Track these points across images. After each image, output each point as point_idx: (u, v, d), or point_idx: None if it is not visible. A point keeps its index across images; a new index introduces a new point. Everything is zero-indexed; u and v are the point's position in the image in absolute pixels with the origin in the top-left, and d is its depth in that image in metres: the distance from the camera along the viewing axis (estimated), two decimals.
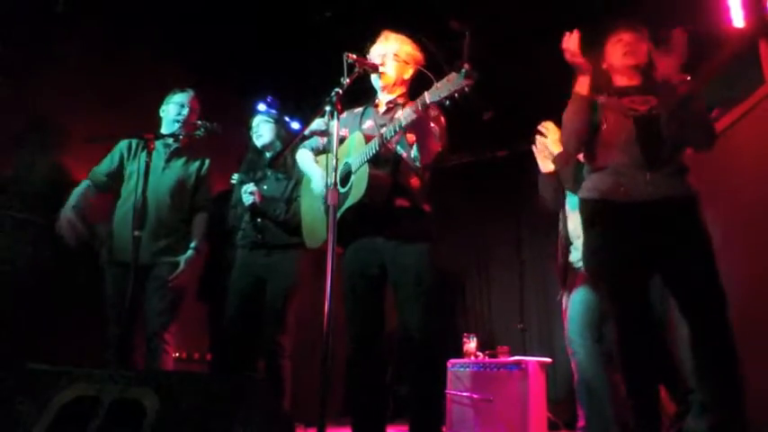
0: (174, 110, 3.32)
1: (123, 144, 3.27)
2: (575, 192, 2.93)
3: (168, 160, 3.30)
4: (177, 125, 3.28)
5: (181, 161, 3.34)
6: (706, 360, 2.24)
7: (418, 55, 2.78)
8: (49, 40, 3.57)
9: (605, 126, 2.46)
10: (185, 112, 3.31)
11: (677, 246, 2.31)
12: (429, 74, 2.36)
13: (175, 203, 3.23)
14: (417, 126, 2.39)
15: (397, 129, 2.39)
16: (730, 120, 3.72)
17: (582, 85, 2.51)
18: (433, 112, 2.53)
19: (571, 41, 2.49)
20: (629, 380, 2.39)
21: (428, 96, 2.26)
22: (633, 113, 2.42)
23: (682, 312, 2.30)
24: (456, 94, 2.17)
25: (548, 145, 3.07)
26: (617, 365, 2.92)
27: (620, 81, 2.54)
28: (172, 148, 3.32)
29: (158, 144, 3.24)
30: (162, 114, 3.37)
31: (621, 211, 2.40)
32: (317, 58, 3.70)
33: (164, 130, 3.31)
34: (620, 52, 2.52)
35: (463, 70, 2.12)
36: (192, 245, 3.24)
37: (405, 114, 2.35)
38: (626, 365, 2.41)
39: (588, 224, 2.53)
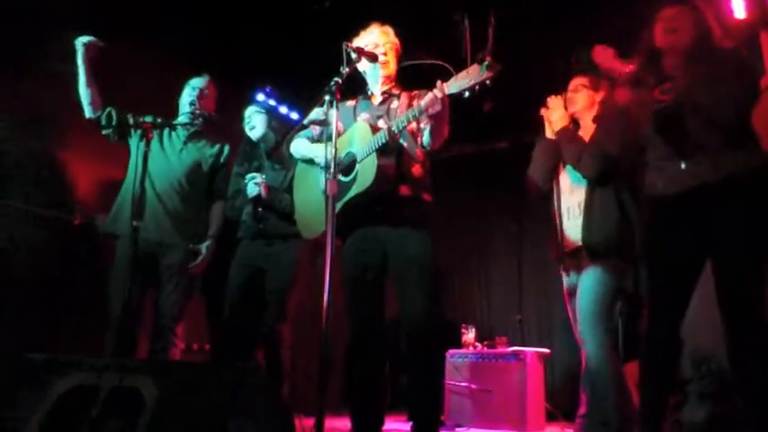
0: (186, 93, 3.36)
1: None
2: (580, 169, 2.90)
3: (186, 142, 3.31)
4: (189, 107, 3.31)
5: (199, 144, 3.35)
6: (738, 353, 2.21)
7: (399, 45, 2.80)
8: (46, 30, 3.54)
9: (642, 124, 2.42)
10: (195, 93, 3.33)
11: (722, 234, 2.22)
12: (448, 66, 2.32)
13: (191, 185, 3.24)
14: (439, 114, 2.36)
15: (412, 117, 2.38)
16: None
17: (619, 96, 2.48)
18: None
19: (604, 55, 2.49)
20: (649, 377, 2.40)
21: (447, 87, 2.24)
22: (655, 106, 2.35)
23: (719, 301, 2.25)
24: (476, 87, 2.15)
25: (549, 120, 3.04)
26: (624, 357, 2.94)
27: (668, 61, 2.41)
28: (190, 131, 3.33)
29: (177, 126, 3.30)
30: (180, 100, 3.40)
31: (663, 207, 2.36)
32: (315, 47, 3.68)
33: (180, 114, 3.35)
34: (661, 32, 2.40)
35: (485, 63, 2.09)
36: (211, 233, 3.28)
37: (426, 103, 2.32)
38: (649, 359, 2.42)
39: (643, 220, 2.54)
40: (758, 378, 2.15)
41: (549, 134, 3.03)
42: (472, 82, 2.14)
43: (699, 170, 2.25)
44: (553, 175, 3.05)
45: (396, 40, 2.76)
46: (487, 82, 2.12)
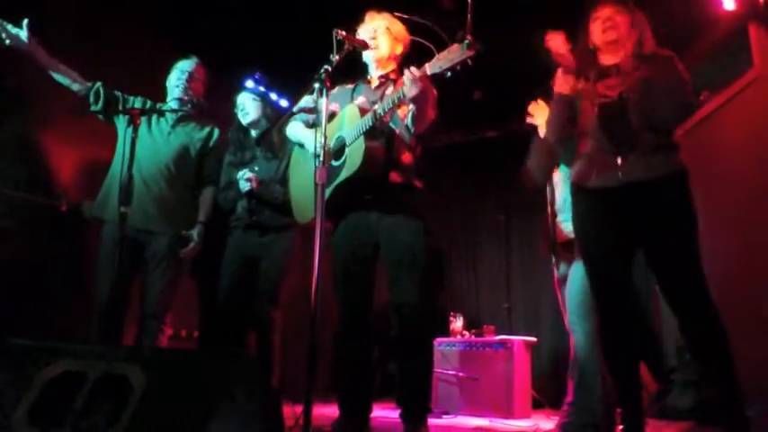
0: (174, 77, 3.32)
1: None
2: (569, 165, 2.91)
3: (174, 126, 3.28)
4: (177, 92, 3.27)
5: (188, 127, 3.31)
6: (693, 342, 2.26)
7: (407, 35, 2.77)
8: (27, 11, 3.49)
9: (581, 115, 2.44)
10: (184, 77, 3.29)
11: (655, 228, 2.28)
12: (429, 45, 2.32)
13: (179, 170, 3.21)
14: (420, 96, 2.36)
15: (396, 101, 2.37)
16: (719, 102, 3.73)
17: (563, 85, 2.46)
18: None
19: (555, 41, 2.45)
20: (611, 363, 2.43)
21: (428, 68, 2.24)
22: (600, 100, 2.37)
23: (663, 295, 2.31)
24: (458, 66, 2.14)
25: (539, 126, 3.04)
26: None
27: (605, 59, 2.46)
28: (178, 115, 3.29)
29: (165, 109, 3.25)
30: (167, 83, 3.36)
31: (596, 198, 2.38)
32: (306, 34, 3.65)
33: (168, 98, 3.31)
34: (600, 29, 2.43)
35: (466, 42, 2.08)
36: (201, 218, 3.25)
37: (406, 86, 2.32)
38: (607, 350, 2.44)
39: (572, 210, 2.54)
40: (720, 369, 2.18)
41: (541, 134, 3.05)
42: (453, 62, 2.14)
43: (633, 167, 2.29)
44: (549, 173, 3.07)
45: (386, 23, 2.74)
46: (469, 62, 2.11)
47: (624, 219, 2.33)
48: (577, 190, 2.47)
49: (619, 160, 2.31)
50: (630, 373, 2.38)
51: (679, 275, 2.25)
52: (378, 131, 2.52)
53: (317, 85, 2.29)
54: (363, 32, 2.73)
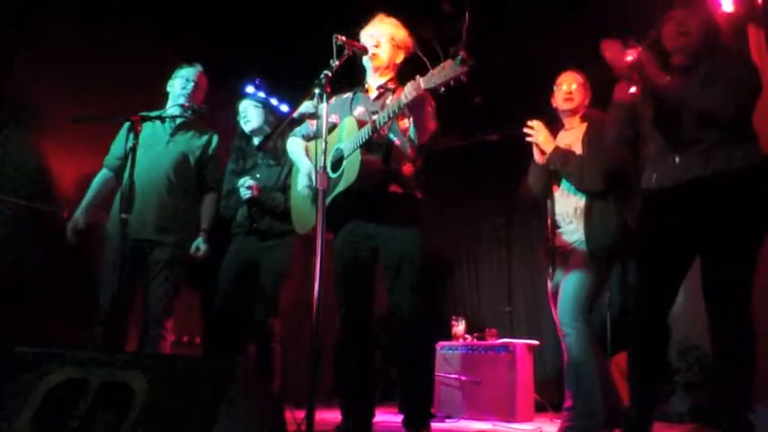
0: (179, 84, 3.30)
1: (127, 125, 3.24)
2: (583, 187, 2.90)
3: (173, 134, 3.27)
4: (182, 99, 3.26)
5: (187, 135, 3.30)
6: (723, 341, 2.25)
7: (410, 42, 2.78)
8: (28, 19, 3.50)
9: (643, 120, 2.43)
10: (190, 86, 3.28)
11: (713, 227, 2.24)
12: (424, 58, 2.33)
13: (178, 178, 3.20)
14: (415, 106, 2.37)
15: (393, 112, 2.38)
16: None
17: (621, 93, 2.40)
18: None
19: (612, 50, 2.36)
20: (635, 362, 2.43)
21: (423, 82, 2.25)
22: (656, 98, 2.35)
23: (704, 292, 2.28)
24: (451, 82, 2.15)
25: (537, 144, 3.04)
26: (612, 349, 2.97)
27: (677, 60, 2.42)
28: (177, 122, 3.28)
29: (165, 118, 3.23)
30: (168, 89, 3.34)
31: (657, 199, 2.38)
32: (306, 39, 3.66)
33: (169, 104, 3.29)
34: (672, 33, 2.39)
35: (459, 57, 2.10)
36: (204, 226, 3.26)
37: (403, 96, 2.33)
38: (636, 350, 2.45)
39: (638, 215, 2.53)
40: (738, 372, 2.17)
41: (536, 156, 3.04)
42: (447, 77, 2.15)
43: (690, 165, 2.27)
44: (548, 189, 3.07)
45: (392, 31, 2.74)
46: (462, 78, 2.12)
47: (685, 218, 2.30)
48: (643, 195, 2.46)
49: (677, 159, 2.31)
50: (653, 377, 2.39)
51: (725, 279, 2.22)
52: (375, 144, 2.52)
53: (317, 91, 2.29)
54: (366, 36, 2.73)
